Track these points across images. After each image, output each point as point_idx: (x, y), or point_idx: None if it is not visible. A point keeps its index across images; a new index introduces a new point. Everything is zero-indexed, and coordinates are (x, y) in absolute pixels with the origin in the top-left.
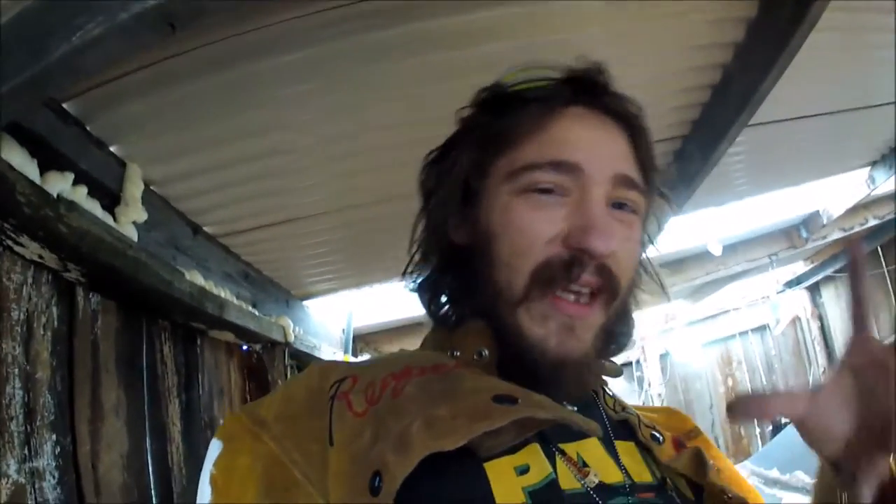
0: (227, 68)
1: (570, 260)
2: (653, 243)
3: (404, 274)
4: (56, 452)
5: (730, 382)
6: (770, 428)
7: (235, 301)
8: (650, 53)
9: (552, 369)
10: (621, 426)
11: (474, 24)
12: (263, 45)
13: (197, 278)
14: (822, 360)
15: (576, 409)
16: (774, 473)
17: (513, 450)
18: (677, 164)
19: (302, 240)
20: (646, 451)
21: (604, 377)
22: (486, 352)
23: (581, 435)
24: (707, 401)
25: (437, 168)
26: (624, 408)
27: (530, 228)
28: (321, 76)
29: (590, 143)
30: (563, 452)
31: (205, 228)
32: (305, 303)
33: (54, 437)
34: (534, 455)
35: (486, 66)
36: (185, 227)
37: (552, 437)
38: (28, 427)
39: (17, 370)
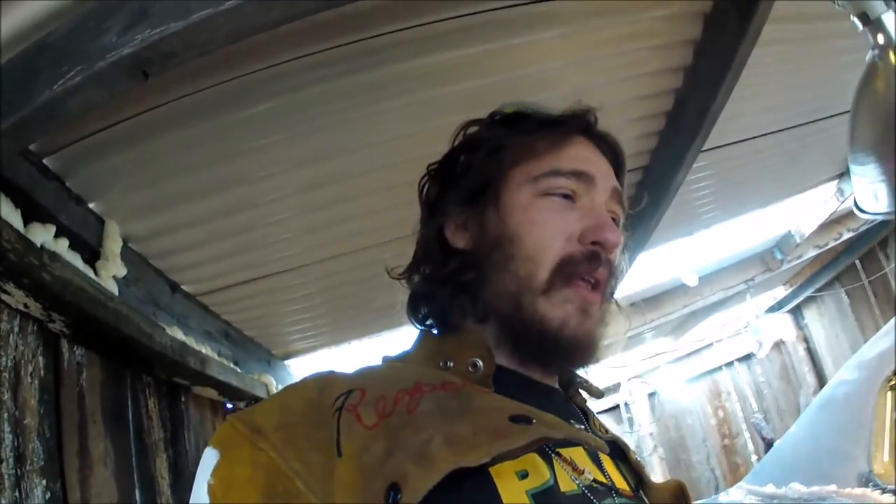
0: (200, 120)
1: (589, 254)
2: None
3: (401, 279)
4: (46, 497)
5: (721, 414)
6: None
7: (217, 358)
8: (605, 84)
9: (572, 347)
10: (606, 444)
11: (443, 65)
12: (237, 95)
13: (178, 334)
14: (811, 381)
15: (583, 427)
16: (770, 489)
17: (513, 456)
18: (640, 194)
19: (280, 295)
20: (627, 466)
21: (587, 397)
22: (481, 363)
23: (573, 443)
24: (700, 435)
25: (441, 178)
26: (607, 430)
27: (552, 226)
28: (293, 125)
29: (596, 163)
30: (559, 455)
31: (183, 287)
32: (287, 362)
33: (44, 482)
34: (532, 461)
35: (459, 106)
36: (163, 285)
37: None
38: (18, 471)
39: (6, 414)
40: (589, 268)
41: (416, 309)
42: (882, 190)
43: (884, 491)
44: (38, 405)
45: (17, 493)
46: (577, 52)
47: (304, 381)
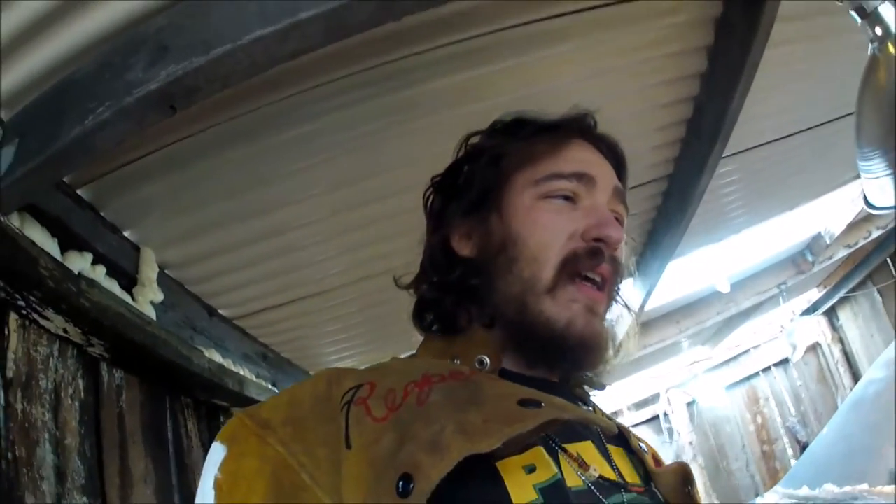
0: (231, 149)
1: (592, 250)
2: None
3: (408, 288)
4: None
5: (759, 420)
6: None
7: (255, 379)
8: (622, 95)
9: (580, 347)
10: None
11: (462, 85)
12: (265, 122)
13: (215, 356)
14: (847, 382)
15: (591, 409)
16: (804, 491)
17: (520, 451)
18: (667, 203)
19: (317, 317)
20: (633, 456)
21: (589, 389)
22: (487, 360)
23: (579, 437)
24: (739, 442)
25: (445, 189)
26: (610, 419)
27: (554, 226)
28: (325, 149)
29: (597, 164)
30: (565, 450)
31: (220, 311)
32: None
33: (85, 499)
34: (539, 456)
35: (480, 124)
36: (200, 310)
37: (555, 438)
38: (60, 489)
39: (47, 434)
40: (592, 263)
41: (422, 316)
42: (888, 183)
43: None
44: (79, 426)
45: None
46: (593, 64)
47: (314, 376)
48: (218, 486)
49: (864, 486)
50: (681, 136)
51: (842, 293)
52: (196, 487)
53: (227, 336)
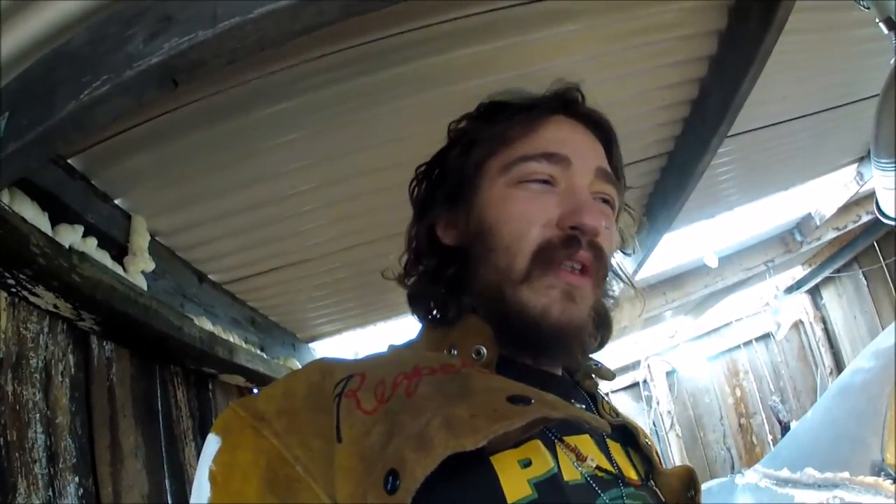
0: (223, 120)
1: (567, 238)
2: (624, 243)
3: (399, 281)
4: (79, 494)
5: (738, 393)
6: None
7: (244, 345)
8: (628, 74)
9: (556, 335)
10: (614, 429)
11: (459, 61)
12: (257, 95)
13: (206, 324)
14: (828, 362)
15: (584, 407)
16: (785, 473)
17: (515, 444)
18: (665, 180)
19: (305, 282)
20: (638, 452)
21: (598, 380)
22: (485, 350)
23: (578, 430)
24: (717, 413)
25: (428, 178)
26: (618, 414)
27: (527, 214)
28: (316, 122)
29: (575, 142)
30: (563, 442)
31: (210, 276)
32: (312, 345)
33: (77, 478)
34: (535, 449)
35: (476, 101)
36: (191, 276)
37: (553, 429)
38: (51, 469)
39: (38, 415)
40: (567, 253)
41: (415, 307)
42: None
43: (895, 481)
44: (70, 403)
45: (50, 492)
46: (596, 46)
47: (307, 367)
48: (213, 478)
49: (846, 475)
50: (684, 115)
51: (827, 273)
52: (185, 458)
53: (216, 302)
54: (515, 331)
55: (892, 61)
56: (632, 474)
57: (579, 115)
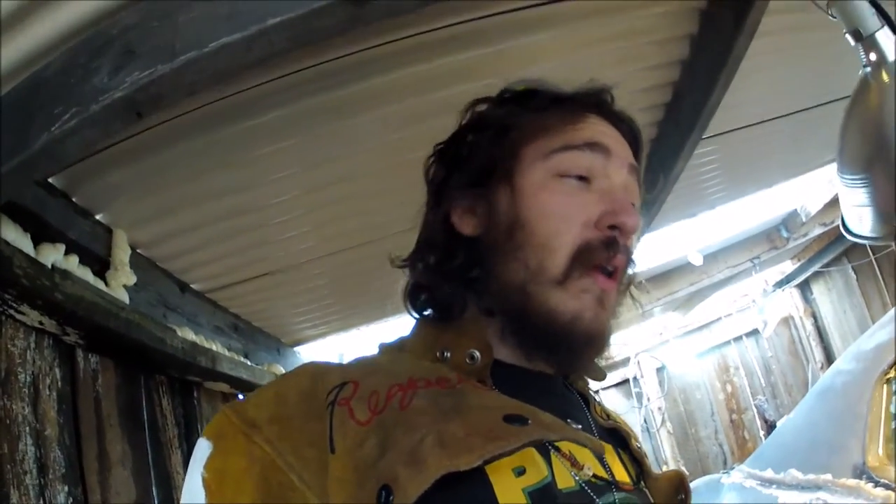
0: (202, 134)
1: (608, 240)
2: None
3: (403, 267)
4: (69, 503)
5: (729, 389)
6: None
7: (227, 353)
8: (602, 79)
9: (585, 341)
10: (606, 432)
11: (437, 70)
12: (236, 108)
13: (188, 334)
14: (818, 356)
15: (580, 427)
16: (769, 473)
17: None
18: (657, 178)
19: (287, 288)
20: (629, 455)
21: (588, 379)
22: (478, 355)
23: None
24: (708, 409)
25: (448, 158)
26: (609, 416)
27: (567, 211)
28: (294, 134)
29: (613, 138)
30: (557, 449)
31: (192, 286)
32: (297, 349)
33: (66, 488)
34: (529, 457)
35: (454, 108)
36: (172, 286)
37: None
38: (42, 480)
39: (28, 429)
40: (607, 255)
41: (415, 298)
42: (867, 214)
43: (877, 484)
44: (58, 415)
45: (41, 502)
46: (571, 52)
47: (297, 371)
48: (206, 484)
49: (828, 477)
50: (658, 118)
51: (816, 267)
52: (171, 465)
53: (199, 310)
54: (539, 333)
55: (860, 73)
56: (624, 478)
57: (613, 116)
